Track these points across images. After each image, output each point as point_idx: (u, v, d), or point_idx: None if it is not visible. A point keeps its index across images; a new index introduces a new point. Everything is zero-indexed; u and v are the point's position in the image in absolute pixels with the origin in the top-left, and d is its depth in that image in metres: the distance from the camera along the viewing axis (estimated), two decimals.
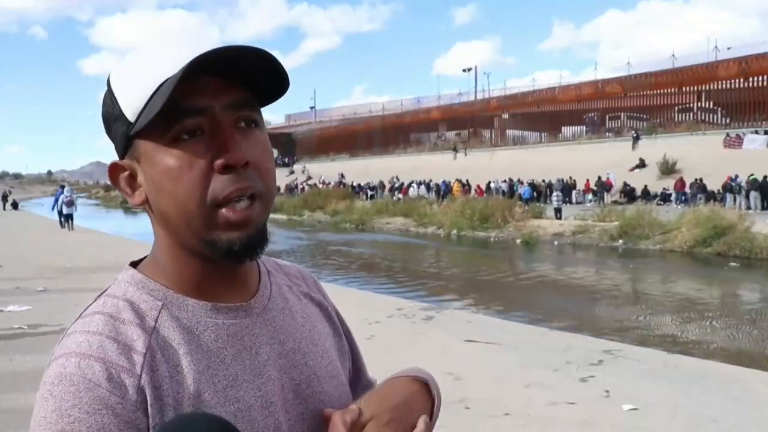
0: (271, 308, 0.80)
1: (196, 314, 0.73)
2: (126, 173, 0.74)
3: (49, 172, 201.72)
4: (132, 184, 0.74)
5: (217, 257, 0.71)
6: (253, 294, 0.79)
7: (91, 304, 0.73)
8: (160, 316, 0.72)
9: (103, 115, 0.75)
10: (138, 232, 26.43)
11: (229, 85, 0.70)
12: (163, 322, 0.71)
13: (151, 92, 0.68)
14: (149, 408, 0.66)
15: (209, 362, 0.71)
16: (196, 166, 0.68)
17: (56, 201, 24.38)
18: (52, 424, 0.63)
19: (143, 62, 0.71)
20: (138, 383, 0.66)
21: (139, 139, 0.71)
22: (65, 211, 23.09)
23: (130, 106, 0.70)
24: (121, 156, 0.74)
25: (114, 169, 0.75)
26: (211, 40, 0.71)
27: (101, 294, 0.75)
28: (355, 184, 43.46)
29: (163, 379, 0.68)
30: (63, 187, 27.86)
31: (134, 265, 0.78)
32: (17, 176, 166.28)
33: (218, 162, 0.68)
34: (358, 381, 0.94)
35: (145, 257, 0.79)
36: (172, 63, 0.68)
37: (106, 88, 0.74)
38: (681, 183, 28.04)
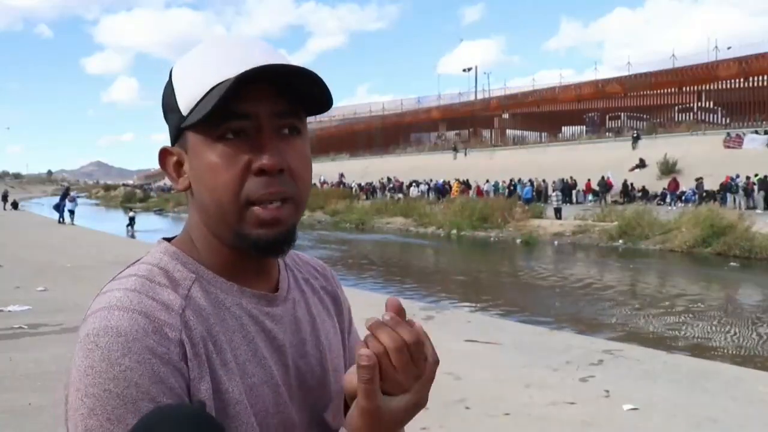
0: (289, 300, 0.85)
1: (224, 291, 0.78)
2: (174, 159, 0.79)
3: (49, 172, 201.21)
4: (178, 170, 0.79)
5: (245, 249, 0.76)
6: (274, 284, 0.84)
7: (124, 270, 0.77)
8: (193, 286, 0.76)
9: (162, 102, 0.80)
10: (138, 231, 26.51)
11: (278, 93, 0.74)
12: (195, 292, 0.75)
13: (205, 91, 0.73)
14: (188, 362, 0.70)
15: (233, 335, 0.76)
16: (235, 164, 0.73)
17: (62, 199, 28.92)
18: (102, 372, 0.65)
19: (203, 61, 0.76)
20: (179, 337, 0.70)
21: (189, 131, 0.75)
22: (68, 206, 27.41)
23: (185, 101, 0.75)
24: (172, 143, 0.79)
25: (164, 154, 0.80)
26: (264, 47, 0.76)
27: (135, 262, 0.78)
28: (354, 184, 43.44)
29: (198, 339, 0.72)
30: (67, 187, 32.59)
31: (167, 240, 0.82)
32: (17, 176, 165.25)
33: (255, 165, 0.73)
34: None
35: (176, 235, 0.84)
36: (229, 67, 0.72)
37: (167, 78, 0.79)
38: (675, 183, 28.04)
